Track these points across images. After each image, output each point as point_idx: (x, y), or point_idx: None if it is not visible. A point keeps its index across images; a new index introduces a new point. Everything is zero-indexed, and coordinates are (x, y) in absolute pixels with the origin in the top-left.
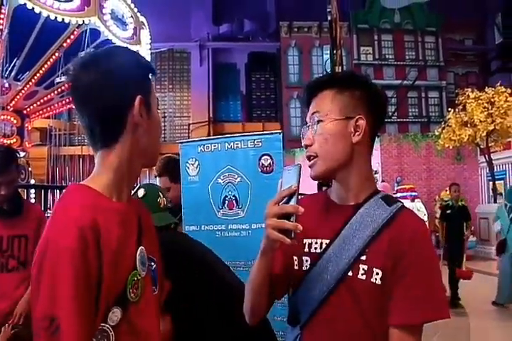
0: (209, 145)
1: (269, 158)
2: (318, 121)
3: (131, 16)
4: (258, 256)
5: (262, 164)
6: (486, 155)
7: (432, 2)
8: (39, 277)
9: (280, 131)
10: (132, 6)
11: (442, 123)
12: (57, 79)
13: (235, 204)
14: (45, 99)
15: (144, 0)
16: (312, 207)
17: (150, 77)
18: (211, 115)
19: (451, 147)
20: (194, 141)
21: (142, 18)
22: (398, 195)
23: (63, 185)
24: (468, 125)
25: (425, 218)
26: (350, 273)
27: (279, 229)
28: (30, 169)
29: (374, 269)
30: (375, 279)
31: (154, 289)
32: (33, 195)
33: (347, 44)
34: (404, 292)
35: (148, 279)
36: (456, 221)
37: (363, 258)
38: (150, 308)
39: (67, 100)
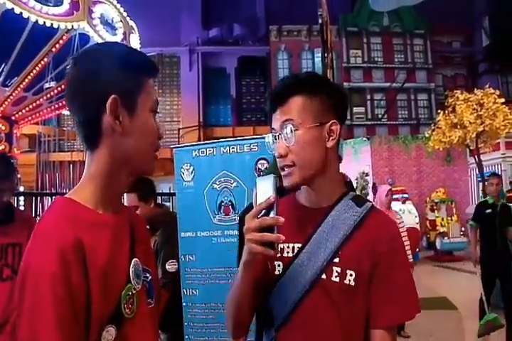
0: (204, 149)
1: (265, 162)
2: (292, 130)
3: (121, 21)
4: (241, 269)
5: (259, 168)
6: (476, 157)
7: (419, 5)
8: (21, 302)
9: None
10: (122, 10)
11: (432, 125)
12: (46, 85)
13: (232, 210)
14: (34, 104)
15: (133, 4)
16: (282, 212)
17: (144, 75)
18: (201, 119)
19: (441, 149)
20: (188, 145)
21: (132, 23)
22: None
23: (53, 192)
24: (458, 126)
25: (416, 220)
26: (323, 276)
27: (261, 242)
28: (19, 176)
29: (347, 271)
30: (349, 280)
31: (150, 301)
32: (22, 203)
33: (336, 47)
34: (385, 296)
35: (143, 292)
36: (497, 224)
37: (336, 260)
38: (146, 322)
39: (57, 106)
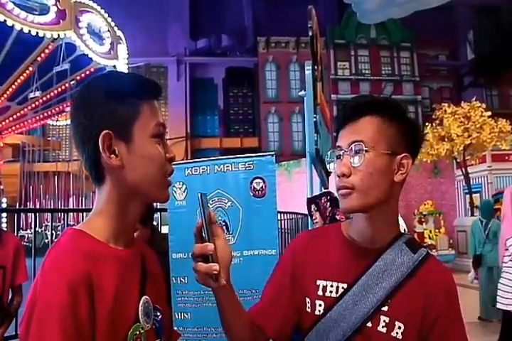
0: (197, 167)
1: (261, 181)
2: (362, 151)
3: (108, 30)
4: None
5: (254, 188)
6: (463, 169)
7: (406, 18)
8: (26, 334)
9: (273, 152)
10: (109, 20)
11: None
12: (31, 95)
13: (225, 230)
14: (18, 114)
15: (121, 14)
16: (326, 244)
17: (138, 101)
18: (188, 130)
19: (428, 161)
20: (181, 163)
21: (119, 33)
22: None
23: (36, 208)
24: (446, 139)
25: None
26: (369, 324)
27: (200, 272)
28: (1, 187)
29: (396, 322)
30: (396, 333)
31: None
32: (4, 220)
33: (324, 59)
34: None
35: (152, 332)
36: None
37: (385, 309)
38: None
39: (42, 116)
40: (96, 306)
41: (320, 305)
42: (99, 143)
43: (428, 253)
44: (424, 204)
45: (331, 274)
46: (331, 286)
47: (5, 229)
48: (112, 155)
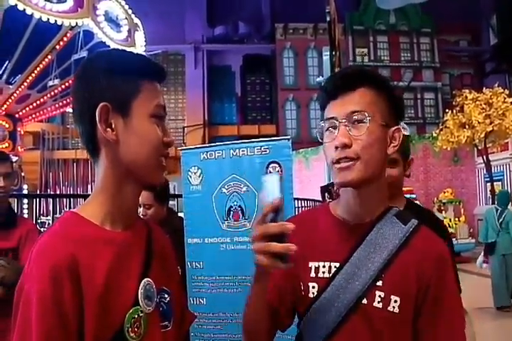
0: (212, 152)
1: (277, 165)
2: (365, 120)
3: (126, 18)
4: (252, 282)
5: (270, 172)
6: (484, 157)
7: (426, 3)
8: (15, 317)
9: (289, 136)
10: (126, 7)
11: (439, 124)
12: (50, 83)
13: (241, 215)
14: (38, 102)
15: (138, 2)
16: (315, 225)
17: (140, 79)
18: (206, 118)
19: (448, 148)
20: (196, 147)
21: (136, 20)
22: None
23: (56, 193)
24: (467, 126)
25: None
26: (364, 301)
27: (269, 253)
28: (23, 174)
29: (392, 296)
30: (393, 307)
31: (167, 324)
32: (26, 206)
33: (342, 45)
34: (437, 330)
35: (155, 315)
36: None
37: (379, 283)
38: None
39: (61, 104)
40: (84, 290)
41: (313, 287)
42: (97, 115)
43: (419, 223)
44: (444, 193)
45: (323, 255)
46: (323, 267)
47: (25, 216)
48: (108, 129)
